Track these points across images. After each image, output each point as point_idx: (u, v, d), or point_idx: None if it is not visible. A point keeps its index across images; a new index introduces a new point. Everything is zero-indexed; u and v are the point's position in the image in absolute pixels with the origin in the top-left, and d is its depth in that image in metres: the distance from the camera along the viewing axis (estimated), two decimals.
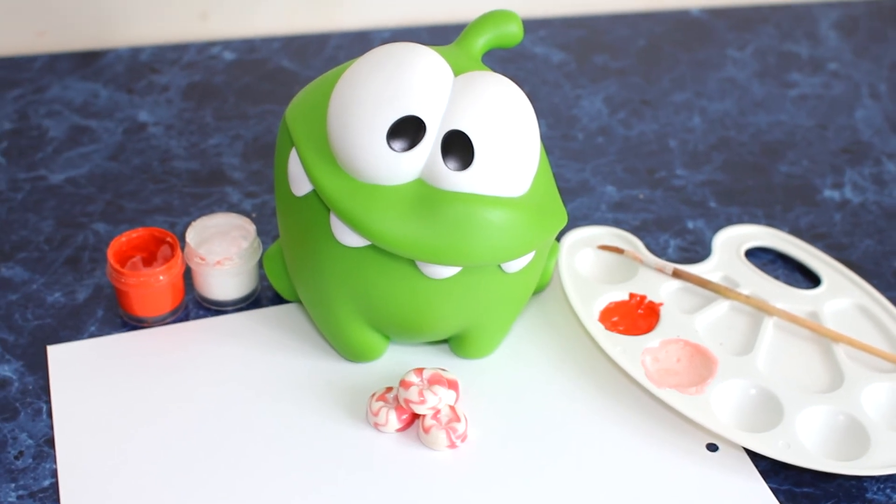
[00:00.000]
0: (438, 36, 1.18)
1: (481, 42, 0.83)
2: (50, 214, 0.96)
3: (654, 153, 1.06)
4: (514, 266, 0.78)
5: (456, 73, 0.76)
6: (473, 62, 0.81)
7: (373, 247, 0.75)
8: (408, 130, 0.73)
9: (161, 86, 1.12)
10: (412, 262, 0.75)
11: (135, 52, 1.16)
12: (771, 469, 0.78)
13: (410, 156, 0.73)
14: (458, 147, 0.74)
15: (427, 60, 0.75)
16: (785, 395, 0.81)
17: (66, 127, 1.06)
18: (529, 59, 1.18)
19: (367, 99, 0.74)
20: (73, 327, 0.86)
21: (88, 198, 0.98)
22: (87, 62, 1.14)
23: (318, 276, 0.79)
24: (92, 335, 0.85)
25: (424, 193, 0.73)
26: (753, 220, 0.99)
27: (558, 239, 0.91)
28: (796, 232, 0.98)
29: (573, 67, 1.17)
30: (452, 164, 0.73)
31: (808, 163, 1.07)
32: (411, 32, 1.20)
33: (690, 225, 0.98)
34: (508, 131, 0.74)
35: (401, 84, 0.74)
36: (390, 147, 0.73)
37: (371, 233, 0.73)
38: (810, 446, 0.79)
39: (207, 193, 0.99)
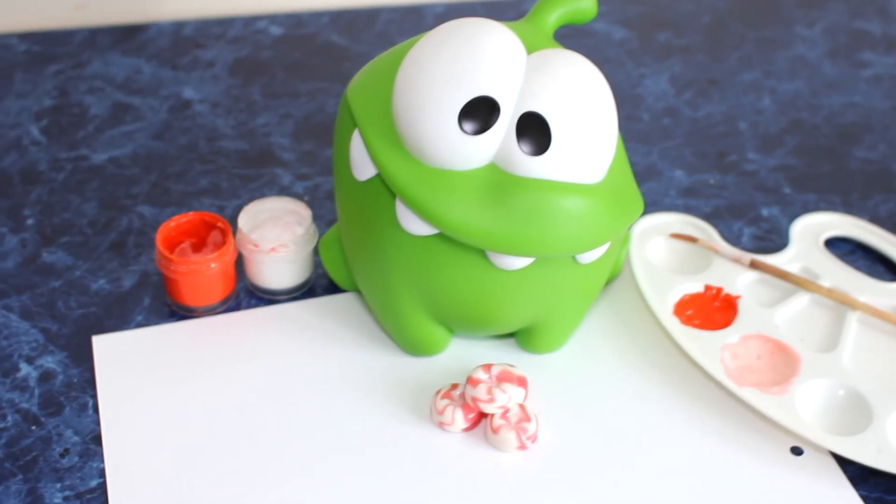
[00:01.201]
0: (494, 11, 1.13)
1: (553, 18, 0.79)
2: (93, 196, 0.92)
3: (723, 136, 1.01)
4: (588, 257, 0.73)
5: (529, 51, 0.71)
6: (546, 39, 0.76)
7: (441, 235, 0.70)
8: (480, 112, 0.68)
9: (206, 61, 1.07)
10: (482, 253, 0.71)
11: (178, 25, 1.12)
12: (860, 475, 0.74)
13: (483, 139, 0.68)
14: (533, 130, 0.69)
15: (499, 37, 0.70)
16: (874, 396, 0.76)
17: (109, 104, 1.02)
18: (590, 36, 1.12)
19: (436, 78, 0.69)
20: (118, 316, 0.82)
21: (132, 179, 0.94)
22: (128, 36, 1.10)
23: (381, 265, 0.74)
24: (139, 325, 0.81)
25: (497, 179, 0.69)
26: (830, 207, 0.94)
27: (630, 227, 0.86)
28: (876, 220, 0.93)
29: (635, 45, 1.12)
30: (527, 148, 0.69)
31: (885, 147, 1.01)
32: (466, 7, 1.15)
33: (765, 212, 0.93)
34: (587, 114, 0.69)
35: (472, 62, 0.69)
36: (462, 129, 0.68)
37: (440, 220, 0.69)
38: None
39: (257, 175, 0.94)
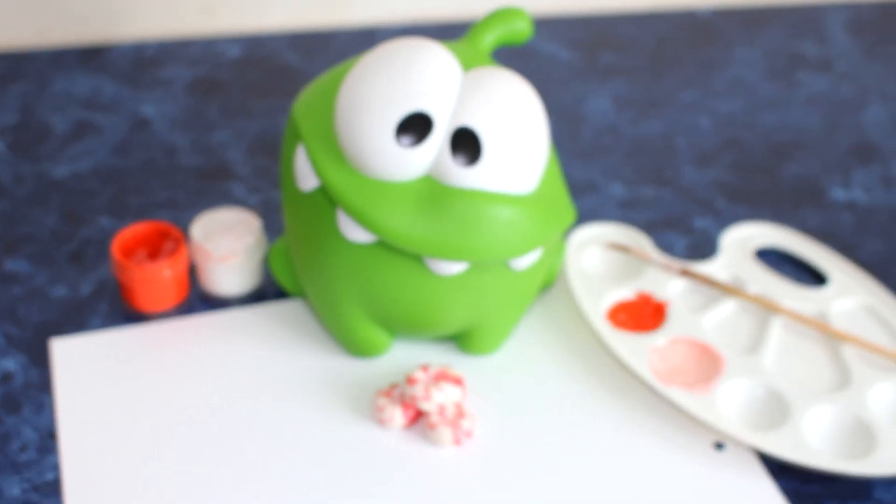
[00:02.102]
0: (446, 33, 1.18)
1: (490, 38, 0.83)
2: (54, 209, 0.96)
3: (661, 152, 1.06)
4: (521, 263, 0.77)
5: (465, 69, 0.76)
6: (483, 58, 0.81)
7: (380, 243, 0.74)
8: (416, 126, 0.73)
9: (166, 81, 1.11)
10: (419, 259, 0.75)
11: (140, 46, 1.16)
12: (778, 468, 0.78)
13: (418, 152, 0.73)
14: (466, 143, 0.73)
15: (436, 56, 0.75)
16: (792, 395, 0.81)
17: (71, 121, 1.05)
18: (537, 58, 1.17)
19: (375, 94, 0.73)
20: (77, 321, 0.85)
21: (93, 192, 0.98)
22: (91, 57, 1.14)
23: (325, 272, 0.78)
24: (96, 329, 0.85)
25: (432, 190, 0.73)
26: (761, 219, 0.98)
27: (565, 236, 0.91)
28: (805, 232, 0.97)
29: (581, 66, 1.16)
30: (461, 160, 0.73)
31: (816, 163, 1.06)
32: (419, 30, 1.20)
33: (698, 224, 0.98)
34: (517, 128, 0.74)
35: (410, 80, 0.73)
36: (399, 143, 0.73)
37: (378, 228, 0.73)
38: (817, 446, 0.78)
39: (212, 188, 0.98)
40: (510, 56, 1.16)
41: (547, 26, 1.21)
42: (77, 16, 1.16)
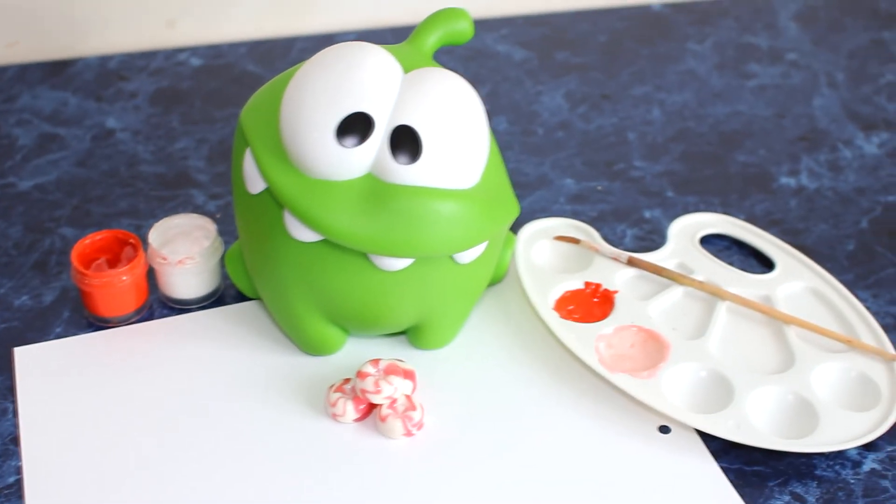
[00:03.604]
0: (403, 37, 1.20)
1: (432, 39, 0.85)
2: (18, 220, 0.98)
3: (612, 146, 1.08)
4: (466, 257, 0.79)
5: (406, 70, 0.78)
6: (424, 59, 0.83)
7: (326, 241, 0.77)
8: (357, 127, 0.75)
9: (129, 92, 1.14)
10: (365, 256, 0.77)
11: (104, 60, 1.18)
12: (722, 449, 0.80)
13: (359, 151, 0.75)
14: (406, 142, 0.76)
15: (376, 58, 0.77)
16: (735, 377, 0.83)
17: (36, 135, 1.08)
18: (491, 58, 1.19)
19: (316, 97, 0.75)
20: (39, 329, 0.88)
21: (56, 203, 1.00)
22: (56, 71, 1.16)
23: (275, 272, 0.80)
24: (58, 336, 0.87)
25: (374, 188, 0.75)
26: (710, 208, 1.01)
27: (515, 231, 0.93)
28: (752, 219, 1.00)
29: (535, 64, 1.19)
30: (401, 158, 0.75)
31: (765, 151, 1.08)
32: (376, 34, 1.22)
33: (647, 215, 1.00)
34: (455, 124, 0.76)
35: (350, 81, 0.75)
36: (340, 143, 0.75)
37: (323, 227, 0.75)
38: (760, 426, 0.80)
39: (173, 196, 1.01)
40: (464, 57, 1.18)
41: (501, 26, 1.23)
42: (43, 31, 1.18)
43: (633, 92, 1.15)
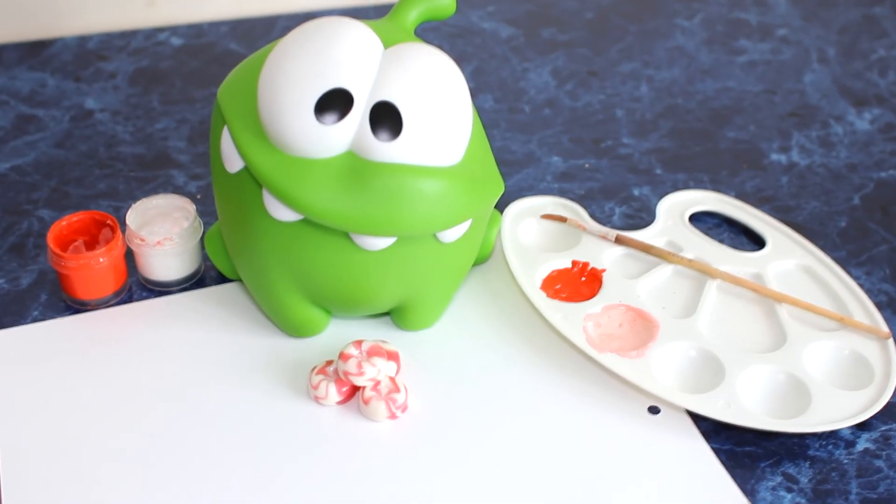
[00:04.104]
0: (384, 14, 1.18)
1: (413, 15, 0.83)
2: None
3: (600, 123, 1.06)
4: (449, 236, 0.78)
5: (386, 46, 0.76)
6: (405, 35, 0.81)
7: (306, 221, 0.75)
8: (336, 103, 0.73)
9: (108, 73, 1.12)
10: (346, 235, 0.75)
11: (82, 40, 1.16)
12: (712, 429, 0.79)
13: (339, 128, 0.73)
14: (386, 118, 0.74)
15: (355, 33, 0.75)
16: (726, 356, 0.81)
17: (13, 116, 1.06)
18: (478, 35, 1.18)
19: (294, 73, 0.73)
20: (16, 313, 0.86)
21: (33, 185, 0.98)
22: (34, 52, 1.14)
23: (255, 252, 0.79)
24: (35, 320, 0.85)
25: (355, 165, 0.73)
26: (699, 185, 0.99)
27: (501, 209, 0.91)
28: (742, 196, 0.98)
29: (521, 41, 1.17)
30: (382, 135, 0.73)
31: (755, 128, 1.07)
32: (359, 12, 1.20)
33: (636, 192, 0.98)
34: (437, 100, 0.74)
35: (328, 57, 0.73)
36: (318, 120, 0.73)
37: (302, 206, 0.73)
38: (752, 406, 0.79)
39: (153, 177, 0.99)
40: (450, 35, 1.16)
41: (487, 3, 1.22)
42: (20, 10, 1.16)
43: (620, 69, 1.13)
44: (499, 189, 0.80)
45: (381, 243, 0.75)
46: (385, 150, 0.73)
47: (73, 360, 0.82)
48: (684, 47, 1.17)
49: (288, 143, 0.74)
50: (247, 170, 0.76)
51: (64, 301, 0.87)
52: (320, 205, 0.73)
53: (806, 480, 0.76)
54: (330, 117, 0.73)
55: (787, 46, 1.18)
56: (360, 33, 0.75)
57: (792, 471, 0.76)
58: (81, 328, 0.85)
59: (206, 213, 0.93)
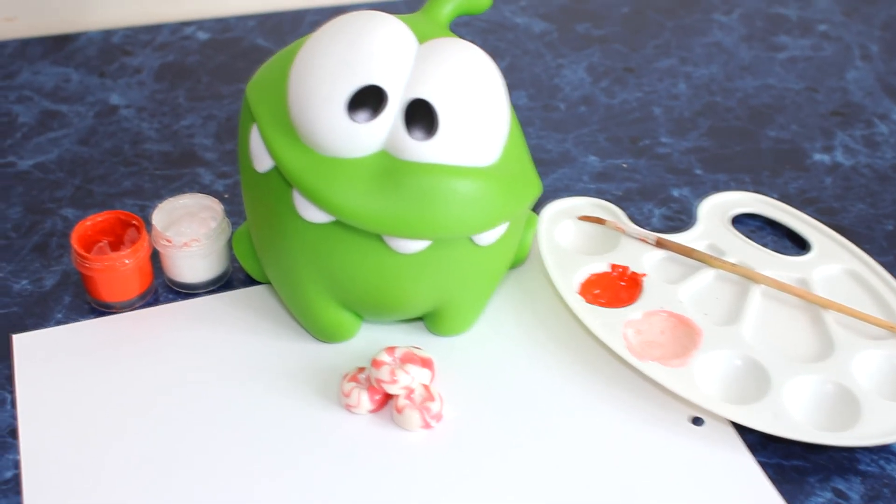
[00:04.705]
0: (416, 9, 1.16)
1: (448, 9, 0.81)
2: (18, 201, 0.93)
3: (637, 121, 1.03)
4: (486, 238, 0.75)
5: (420, 41, 0.73)
6: (440, 29, 0.78)
7: (338, 222, 0.72)
8: (369, 101, 0.71)
9: (133, 68, 1.09)
10: (379, 238, 0.73)
11: (107, 34, 1.13)
12: (759, 442, 0.76)
13: (372, 126, 0.70)
14: (421, 116, 0.71)
15: (388, 28, 0.72)
16: (772, 365, 0.78)
17: (36, 112, 1.03)
18: (510, 30, 1.15)
19: (326, 69, 0.71)
20: (39, 315, 0.83)
21: (57, 183, 0.95)
22: (58, 46, 1.12)
23: (284, 254, 0.76)
24: (59, 322, 0.83)
25: (388, 165, 0.71)
26: (741, 186, 0.96)
27: (537, 210, 0.88)
28: (785, 198, 0.95)
29: (555, 37, 1.14)
30: (416, 134, 0.71)
31: (797, 127, 1.04)
32: (389, 6, 1.17)
33: (675, 193, 0.95)
34: (473, 98, 0.71)
35: (361, 53, 0.71)
36: (351, 118, 0.70)
37: (334, 207, 0.71)
38: (799, 417, 0.76)
39: (179, 175, 0.96)
40: (483, 29, 1.14)
41: None
42: (44, 4, 1.14)
43: (657, 65, 1.10)
44: (536, 190, 0.77)
45: (415, 246, 0.73)
46: (420, 149, 0.70)
47: (97, 364, 0.80)
48: (722, 43, 1.14)
49: (319, 142, 0.71)
50: (276, 169, 0.73)
51: (88, 303, 0.84)
52: (352, 206, 0.71)
53: (857, 497, 0.72)
54: (363, 115, 0.71)
55: (829, 42, 1.14)
56: (394, 28, 0.72)
57: (842, 486, 0.73)
58: (106, 331, 0.82)
59: (234, 212, 0.91)
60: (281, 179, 0.73)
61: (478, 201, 0.72)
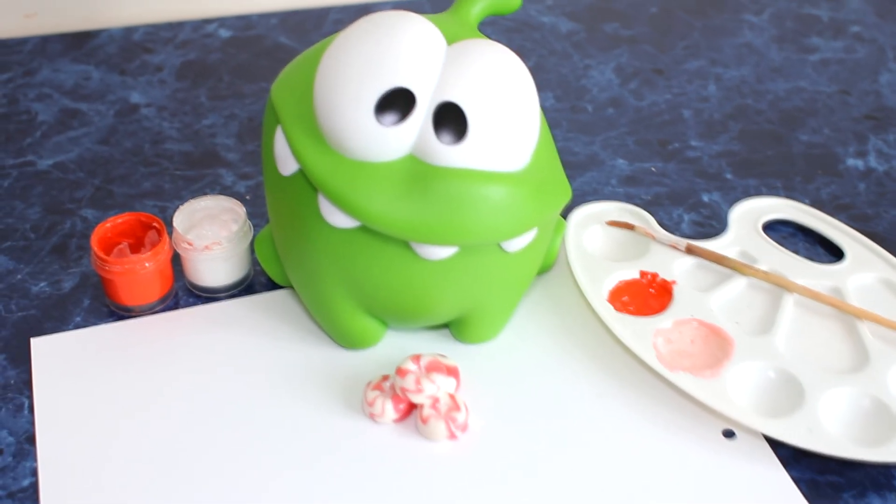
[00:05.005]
0: (441, 6, 1.14)
1: (477, 9, 0.79)
2: (37, 201, 0.92)
3: (666, 124, 1.01)
4: (514, 245, 0.73)
5: (449, 42, 0.71)
6: (469, 30, 0.77)
7: (363, 228, 0.71)
8: (397, 103, 0.69)
9: (154, 66, 1.08)
10: (406, 244, 0.71)
11: (128, 31, 1.12)
12: (792, 456, 0.74)
13: (400, 130, 0.69)
14: (450, 120, 0.69)
15: (417, 28, 0.70)
16: (806, 377, 0.76)
17: (56, 110, 1.02)
18: (537, 29, 1.13)
19: (353, 71, 0.69)
20: (58, 318, 0.82)
21: (77, 183, 0.94)
22: (78, 43, 1.10)
23: (308, 259, 0.75)
24: (77, 326, 0.81)
25: (416, 170, 0.69)
26: (772, 191, 0.94)
27: (564, 215, 0.87)
28: (817, 203, 0.93)
29: (582, 37, 1.12)
30: (445, 137, 0.69)
31: (829, 131, 1.01)
32: (413, 4, 1.16)
33: (706, 198, 0.93)
34: (504, 102, 0.70)
35: (389, 54, 0.69)
36: (378, 121, 0.68)
37: (360, 212, 0.69)
38: (834, 431, 0.74)
39: (200, 176, 0.95)
40: (508, 28, 1.12)
41: None
42: (64, 2, 1.13)
43: (687, 66, 1.08)
44: (566, 195, 0.75)
45: (442, 252, 0.71)
46: (449, 153, 0.69)
47: (117, 369, 0.78)
48: (753, 44, 1.12)
49: (346, 146, 0.69)
50: (301, 173, 0.72)
51: (107, 306, 0.83)
52: (379, 211, 0.69)
53: None
54: (391, 118, 0.69)
55: (861, 44, 1.12)
56: (423, 28, 0.71)
57: (878, 503, 0.71)
58: (125, 335, 0.81)
59: (256, 214, 0.89)
60: (306, 183, 0.72)
61: (508, 207, 0.70)
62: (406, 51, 0.69)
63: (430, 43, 0.70)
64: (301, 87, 0.73)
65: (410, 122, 0.69)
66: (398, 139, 0.69)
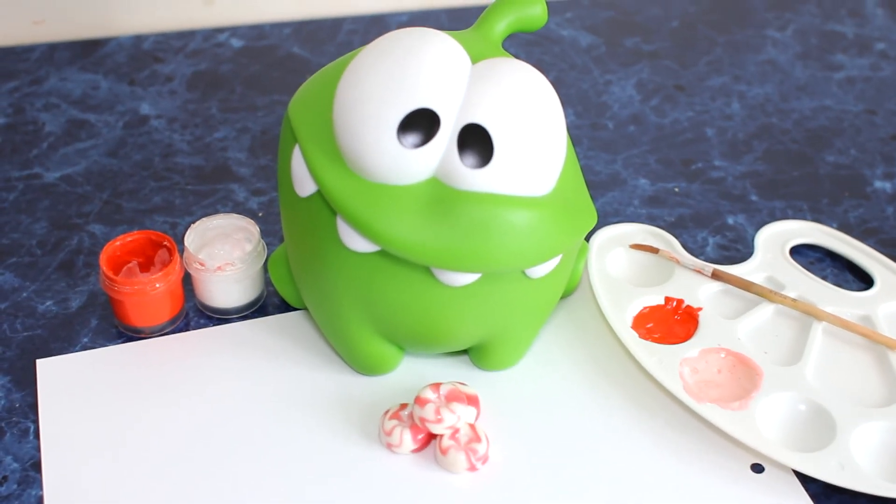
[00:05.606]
0: (459, 19, 1.12)
1: (502, 26, 0.76)
2: (43, 216, 0.90)
3: (689, 142, 0.99)
4: (539, 271, 0.71)
5: (474, 61, 0.69)
6: (493, 48, 0.74)
7: (383, 252, 0.68)
8: (420, 124, 0.67)
9: (164, 76, 1.05)
10: (426, 269, 0.69)
11: (137, 39, 1.10)
12: (822, 492, 0.71)
13: (423, 152, 0.66)
14: (475, 142, 0.67)
15: (441, 47, 0.68)
16: (838, 410, 0.74)
17: (63, 121, 1.00)
18: (556, 43, 1.10)
19: (374, 90, 0.67)
20: (64, 338, 0.80)
21: (84, 197, 0.92)
22: (87, 51, 1.08)
23: (325, 283, 0.72)
24: (85, 347, 0.79)
25: (439, 194, 0.67)
26: (798, 214, 0.92)
27: (587, 237, 0.84)
28: (845, 227, 0.90)
29: (602, 51, 1.10)
30: (470, 160, 0.67)
31: (856, 151, 0.99)
32: (430, 16, 1.13)
33: (731, 221, 0.91)
34: (531, 124, 0.67)
35: (411, 73, 0.67)
36: (401, 143, 0.66)
37: (381, 237, 0.67)
38: (866, 467, 0.71)
39: (211, 191, 0.92)
40: (527, 42, 1.09)
41: (565, 10, 1.14)
42: (73, 8, 1.10)
43: (709, 83, 1.06)
44: (592, 220, 0.73)
45: (465, 279, 0.69)
46: (473, 177, 0.66)
47: (125, 392, 0.76)
48: (777, 61, 1.09)
49: (366, 168, 0.67)
50: (320, 194, 0.69)
51: (116, 327, 0.80)
52: (400, 236, 0.66)
53: None
54: (413, 140, 0.67)
55: (887, 62, 1.10)
56: (446, 46, 0.68)
57: None
58: (134, 357, 0.78)
59: (269, 232, 0.87)
60: (324, 205, 0.69)
61: (533, 233, 0.67)
62: (429, 70, 0.67)
63: (455, 62, 0.68)
64: (320, 105, 0.70)
65: (434, 144, 0.66)
66: (421, 162, 0.66)
